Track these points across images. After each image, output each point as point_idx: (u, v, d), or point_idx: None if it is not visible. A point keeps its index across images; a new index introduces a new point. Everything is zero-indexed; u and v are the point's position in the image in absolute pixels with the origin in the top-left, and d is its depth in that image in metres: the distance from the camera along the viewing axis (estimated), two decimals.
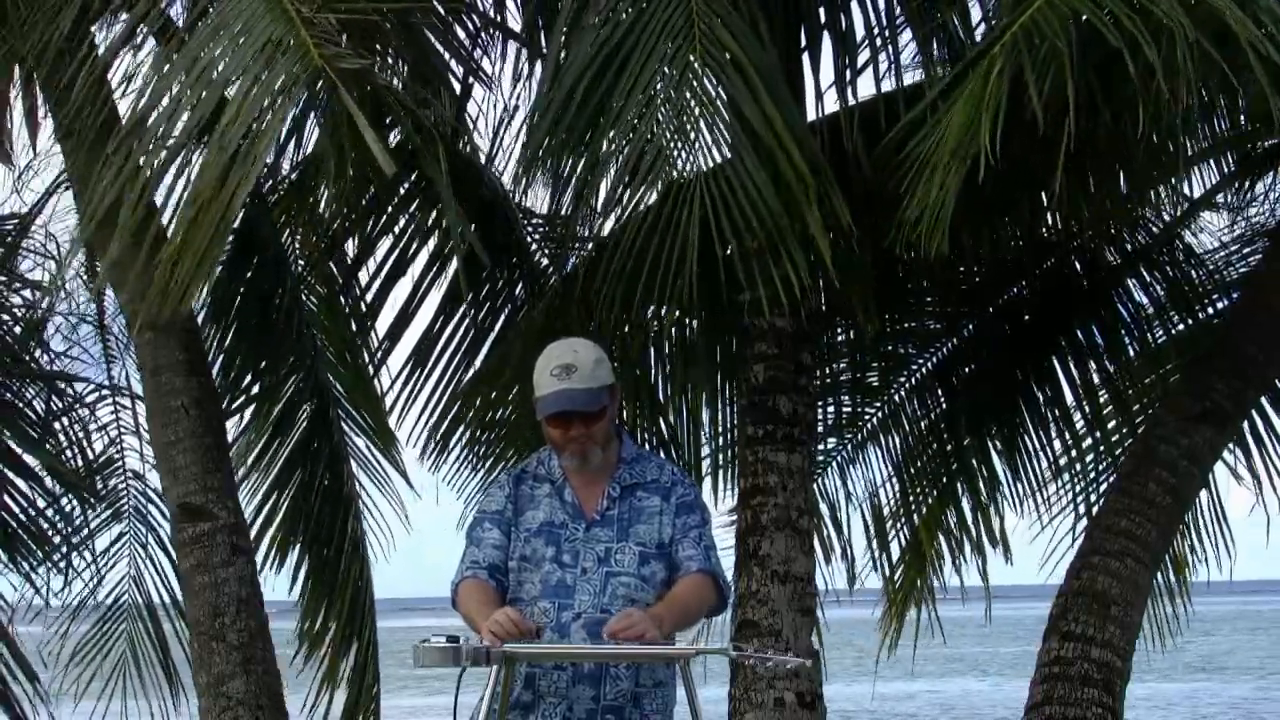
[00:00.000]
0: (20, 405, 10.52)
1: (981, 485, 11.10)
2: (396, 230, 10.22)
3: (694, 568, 6.00)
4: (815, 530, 9.87)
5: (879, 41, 8.86)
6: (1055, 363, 10.78)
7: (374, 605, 10.36)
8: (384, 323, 10.48)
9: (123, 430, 10.93)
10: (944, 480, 11.15)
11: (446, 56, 9.37)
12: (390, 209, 10.07)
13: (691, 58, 7.64)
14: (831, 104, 9.24)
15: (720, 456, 10.65)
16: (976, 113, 7.04)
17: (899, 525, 11.41)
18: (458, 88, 9.58)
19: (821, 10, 8.82)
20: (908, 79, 8.85)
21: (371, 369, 10.54)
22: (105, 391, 10.91)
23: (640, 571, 6.01)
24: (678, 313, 9.81)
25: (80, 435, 10.76)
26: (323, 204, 9.99)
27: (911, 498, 11.29)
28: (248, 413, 10.29)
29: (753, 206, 7.65)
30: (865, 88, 9.51)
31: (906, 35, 8.96)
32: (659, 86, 7.65)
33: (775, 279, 7.82)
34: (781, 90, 7.82)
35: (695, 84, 7.64)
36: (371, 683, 10.33)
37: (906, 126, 7.81)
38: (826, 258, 7.71)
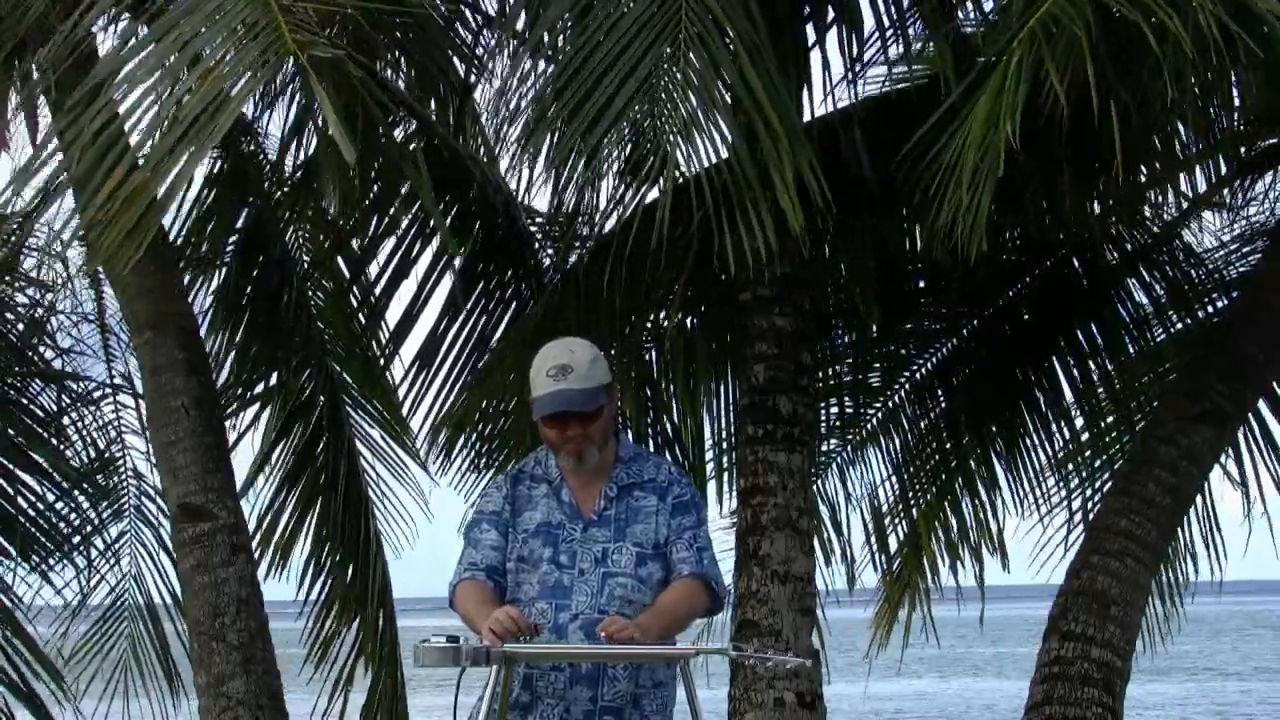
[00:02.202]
0: (25, 402, 10.53)
1: (981, 485, 11.10)
2: (399, 231, 10.24)
3: (685, 572, 5.99)
4: (815, 531, 9.86)
5: (889, 34, 8.87)
6: (1055, 363, 10.78)
7: (393, 604, 10.35)
8: (390, 322, 10.50)
9: (124, 429, 10.95)
10: (943, 480, 11.15)
11: (448, 50, 9.38)
12: (393, 209, 10.08)
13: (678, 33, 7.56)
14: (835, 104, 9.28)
15: (725, 459, 10.64)
16: (997, 107, 7.01)
17: (898, 525, 11.41)
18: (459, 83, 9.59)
19: (830, 9, 8.81)
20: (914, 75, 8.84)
21: (382, 362, 10.55)
22: (108, 390, 10.92)
23: (638, 572, 6.00)
24: (680, 315, 9.81)
25: (85, 433, 10.77)
26: (327, 204, 9.99)
27: (911, 498, 11.29)
28: (254, 410, 10.31)
29: (728, 167, 7.53)
30: (867, 90, 9.56)
31: (912, 32, 8.96)
32: (643, 50, 7.55)
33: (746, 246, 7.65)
34: (765, 62, 7.70)
35: (679, 54, 7.53)
36: (394, 684, 10.30)
37: (926, 132, 7.77)
38: (796, 220, 7.48)
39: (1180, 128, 8.73)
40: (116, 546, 10.84)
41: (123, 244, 6.85)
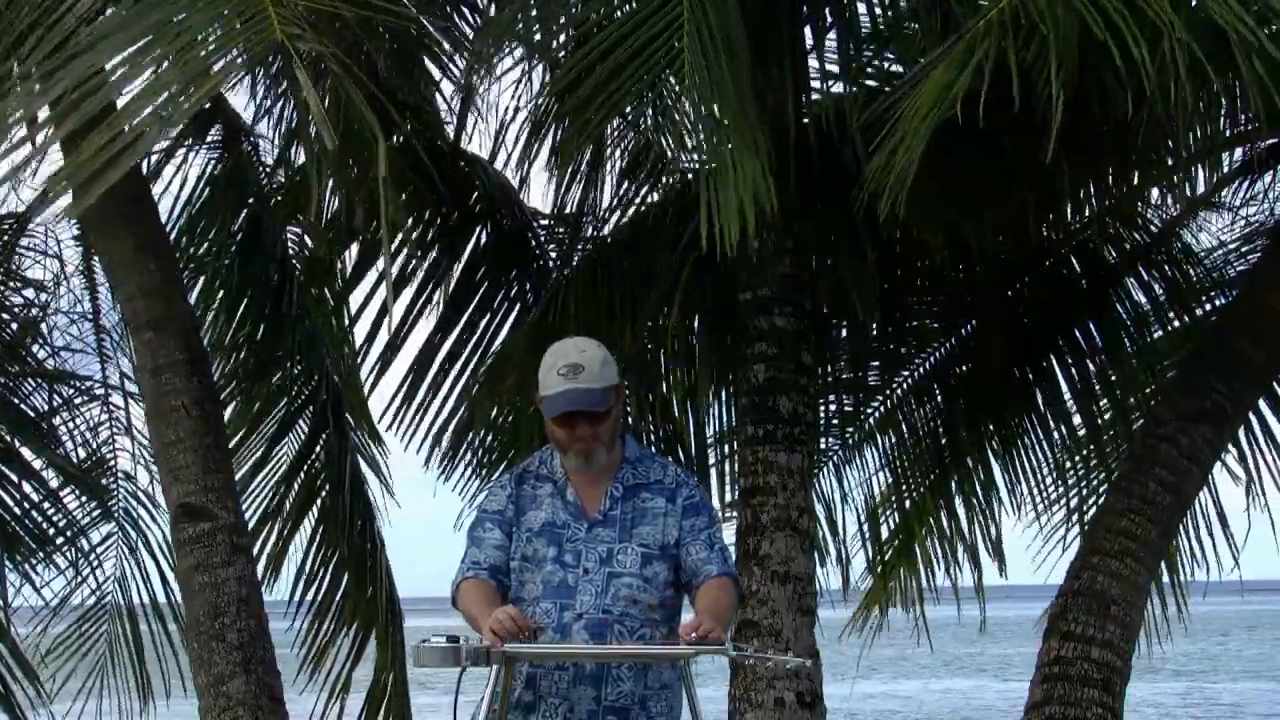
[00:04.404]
0: (16, 402, 10.53)
1: (977, 485, 11.11)
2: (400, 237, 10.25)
3: (714, 572, 5.99)
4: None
5: (883, 35, 8.90)
6: (1054, 363, 10.78)
7: (400, 606, 10.34)
8: (390, 328, 10.51)
9: (115, 430, 10.93)
10: (940, 480, 11.15)
11: (448, 47, 9.38)
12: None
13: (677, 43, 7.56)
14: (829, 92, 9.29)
15: (723, 457, 10.65)
16: (951, 80, 7.03)
17: (892, 523, 11.42)
18: (456, 83, 9.60)
19: (827, 10, 8.82)
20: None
21: (363, 373, 10.56)
22: (100, 390, 10.91)
23: (643, 572, 5.99)
24: (681, 314, 9.81)
25: (76, 433, 10.77)
26: (318, 205, 10.00)
27: (907, 497, 11.30)
28: (252, 408, 10.32)
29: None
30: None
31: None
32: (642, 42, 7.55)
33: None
34: (737, 56, 7.69)
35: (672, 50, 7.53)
36: (403, 685, 10.31)
37: (890, 102, 7.80)
38: (748, 206, 7.40)
39: (1177, 129, 8.74)
40: (103, 548, 10.83)
41: (88, 183, 6.79)
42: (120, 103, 7.04)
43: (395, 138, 9.24)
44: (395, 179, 9.75)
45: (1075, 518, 10.89)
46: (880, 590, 11.66)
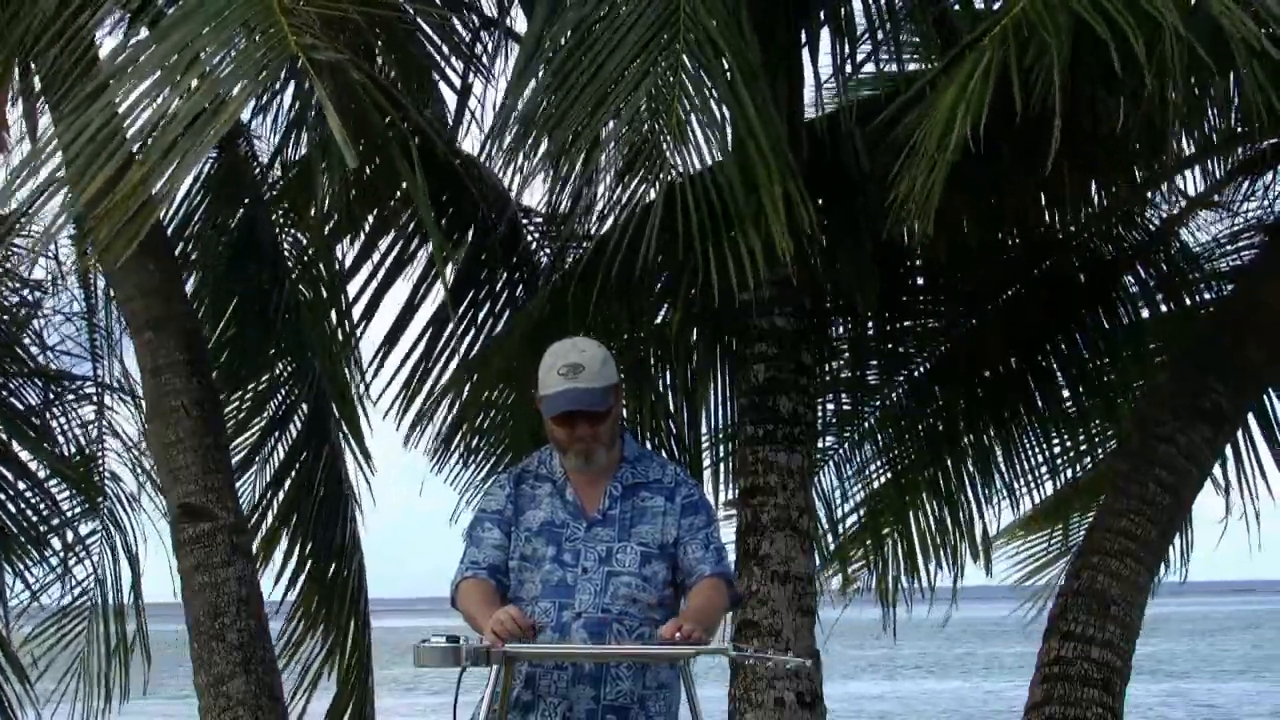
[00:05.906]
0: (7, 396, 10.53)
1: (977, 484, 11.11)
2: (394, 233, 10.24)
3: (706, 571, 5.99)
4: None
5: (880, 35, 8.91)
6: (1054, 362, 10.79)
7: (368, 607, 10.35)
8: (383, 324, 10.53)
9: (105, 431, 10.93)
10: (939, 479, 11.16)
11: (445, 50, 9.39)
12: (390, 208, 10.08)
13: (676, 46, 7.56)
14: (831, 101, 9.30)
15: (718, 454, 10.65)
16: (961, 98, 7.04)
17: (892, 523, 11.43)
18: (457, 83, 9.62)
19: (823, 12, 8.83)
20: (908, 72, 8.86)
21: (359, 371, 10.56)
22: (95, 388, 10.91)
23: (642, 571, 5.99)
24: (680, 314, 9.81)
25: (67, 431, 10.78)
26: (322, 201, 10.00)
27: (907, 497, 11.31)
28: (244, 409, 10.32)
29: (716, 186, 7.57)
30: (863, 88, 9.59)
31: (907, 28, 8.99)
32: (636, 64, 7.55)
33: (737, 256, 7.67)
34: (759, 87, 7.73)
35: (675, 65, 7.54)
36: (364, 691, 10.32)
37: (896, 111, 7.82)
38: (784, 246, 7.52)
39: (1177, 129, 8.75)
40: (88, 544, 10.82)
41: (115, 241, 6.85)
42: (142, 136, 7.04)
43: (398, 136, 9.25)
44: (395, 175, 9.79)
45: (1068, 477, 10.89)
46: (870, 551, 11.59)
